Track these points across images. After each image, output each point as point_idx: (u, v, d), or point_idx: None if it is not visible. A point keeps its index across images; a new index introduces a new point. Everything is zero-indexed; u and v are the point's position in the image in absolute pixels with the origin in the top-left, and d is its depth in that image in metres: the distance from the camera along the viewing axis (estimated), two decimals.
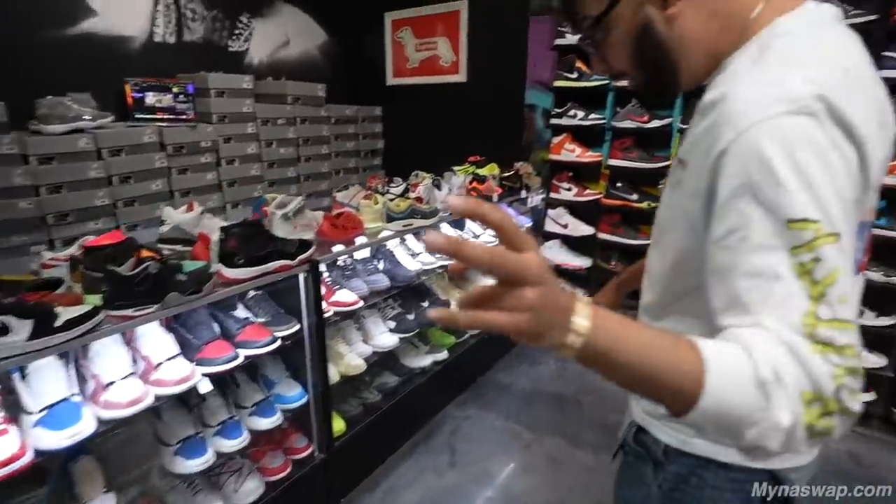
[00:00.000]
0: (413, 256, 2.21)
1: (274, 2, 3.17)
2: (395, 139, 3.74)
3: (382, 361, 2.09)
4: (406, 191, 2.15)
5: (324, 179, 3.32)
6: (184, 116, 2.47)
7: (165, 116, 2.42)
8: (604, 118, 2.64)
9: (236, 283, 1.34)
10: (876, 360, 2.17)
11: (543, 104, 2.92)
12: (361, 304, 1.78)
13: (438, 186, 2.14)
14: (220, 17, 2.92)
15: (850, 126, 0.49)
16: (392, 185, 2.19)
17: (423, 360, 2.26)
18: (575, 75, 2.62)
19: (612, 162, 2.61)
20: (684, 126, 2.36)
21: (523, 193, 2.71)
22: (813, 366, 0.43)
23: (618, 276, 1.07)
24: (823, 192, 0.47)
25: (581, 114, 2.67)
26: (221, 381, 1.49)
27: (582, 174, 2.86)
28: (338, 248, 1.75)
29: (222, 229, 1.34)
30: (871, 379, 2.20)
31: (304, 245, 1.48)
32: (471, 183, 2.35)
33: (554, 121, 2.77)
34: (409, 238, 2.29)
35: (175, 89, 2.43)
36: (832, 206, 0.47)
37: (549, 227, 2.93)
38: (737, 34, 0.58)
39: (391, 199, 1.98)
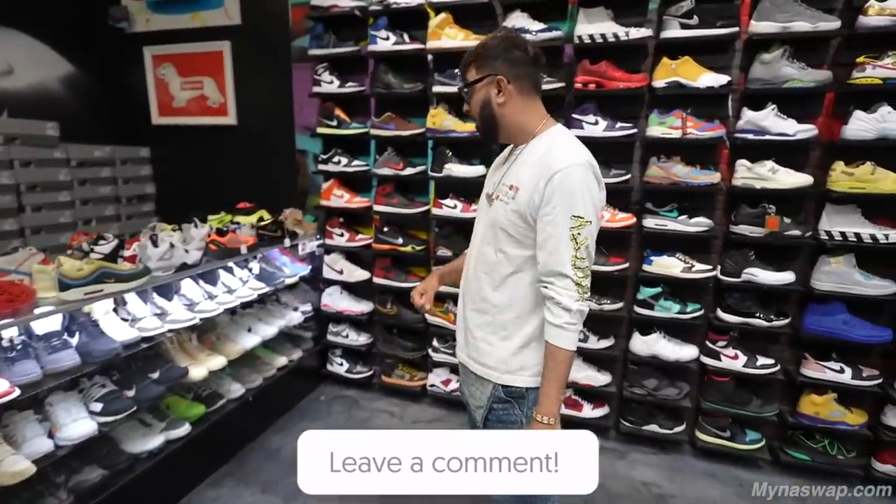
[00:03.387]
0: (132, 323, 1.92)
1: None
2: (170, 183, 3.38)
3: (82, 454, 1.74)
4: (119, 248, 1.88)
5: (63, 232, 2.82)
6: None
7: None
8: (367, 165, 2.68)
9: None
10: (603, 378, 2.46)
11: (314, 150, 2.88)
12: (16, 393, 1.45)
13: (155, 242, 1.90)
14: None
15: (597, 174, 1.12)
16: (102, 242, 1.89)
17: (154, 441, 1.95)
18: (335, 122, 2.63)
19: (377, 207, 2.64)
20: (434, 174, 2.49)
21: (287, 242, 2.60)
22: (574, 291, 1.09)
23: (439, 269, 1.55)
24: (589, 203, 1.08)
25: (345, 160, 2.68)
26: None
27: (356, 219, 2.85)
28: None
29: None
30: (602, 395, 2.49)
31: None
32: (209, 235, 2.16)
33: (321, 167, 2.74)
34: (133, 300, 2.00)
35: None
36: (591, 211, 1.08)
37: (327, 273, 2.85)
38: (529, 133, 1.19)
39: (89, 260, 1.70)
